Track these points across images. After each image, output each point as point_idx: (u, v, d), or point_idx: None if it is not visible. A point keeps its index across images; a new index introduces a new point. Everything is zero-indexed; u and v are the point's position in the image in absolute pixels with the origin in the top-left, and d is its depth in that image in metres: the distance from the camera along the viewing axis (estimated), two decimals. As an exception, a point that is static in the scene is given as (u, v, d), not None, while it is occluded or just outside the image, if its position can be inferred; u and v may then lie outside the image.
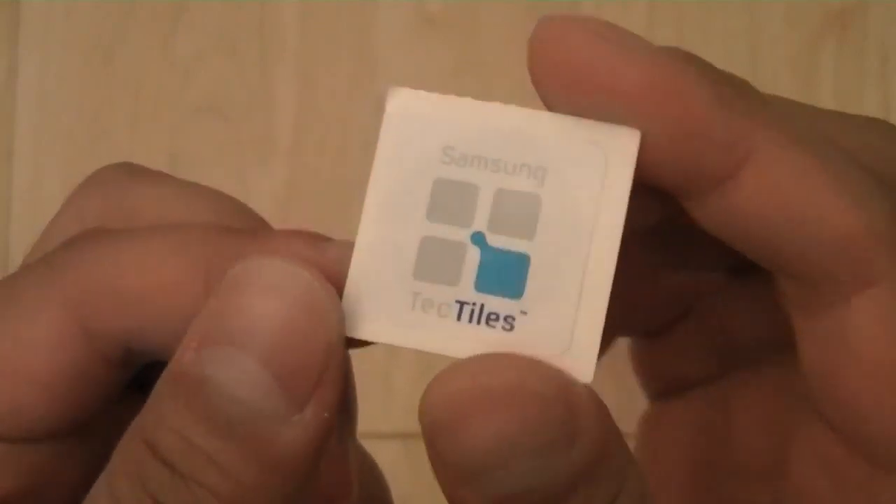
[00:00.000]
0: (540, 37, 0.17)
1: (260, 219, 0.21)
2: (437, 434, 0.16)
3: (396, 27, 0.52)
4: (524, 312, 0.16)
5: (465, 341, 0.16)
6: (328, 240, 0.18)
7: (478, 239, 0.16)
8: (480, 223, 0.16)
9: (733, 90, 0.16)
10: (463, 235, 0.16)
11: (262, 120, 0.51)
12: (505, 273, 0.16)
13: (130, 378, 0.19)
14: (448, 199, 0.16)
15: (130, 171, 0.21)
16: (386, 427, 0.47)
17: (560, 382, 0.15)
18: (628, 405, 0.50)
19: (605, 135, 0.16)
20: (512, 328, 0.16)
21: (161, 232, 0.18)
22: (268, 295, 0.15)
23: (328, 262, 0.18)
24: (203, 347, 0.15)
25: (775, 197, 0.16)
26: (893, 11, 0.53)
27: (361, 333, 0.16)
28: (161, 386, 0.16)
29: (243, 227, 0.19)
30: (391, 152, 0.17)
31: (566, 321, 0.16)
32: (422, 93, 0.16)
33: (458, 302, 0.16)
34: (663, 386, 0.23)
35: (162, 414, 0.15)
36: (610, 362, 0.48)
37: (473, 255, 0.16)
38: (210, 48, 0.52)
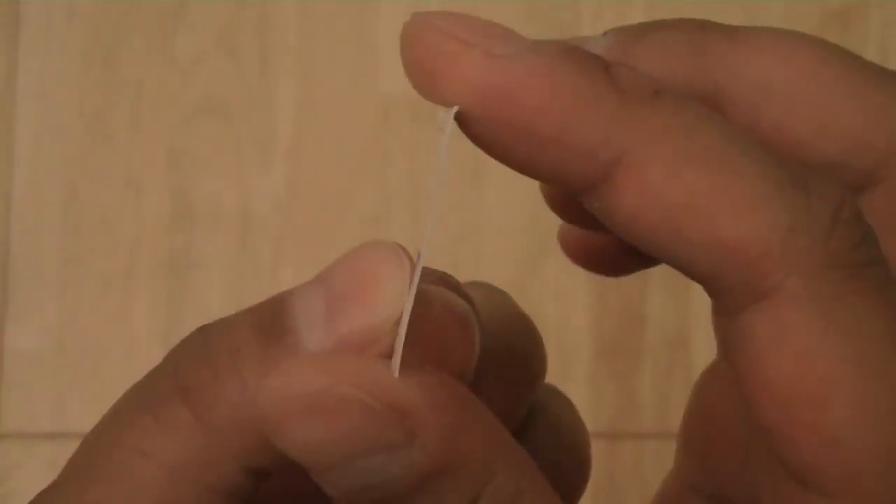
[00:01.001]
0: (405, 32, 0.17)
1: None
2: (275, 435, 0.15)
3: (396, 27, 0.52)
4: None
5: None
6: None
7: None
8: None
9: (606, 86, 0.15)
10: None
11: (262, 120, 0.51)
12: None
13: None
14: None
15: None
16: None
17: (383, 384, 0.15)
18: (628, 405, 0.50)
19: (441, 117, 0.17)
20: None
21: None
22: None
23: None
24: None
25: (650, 201, 0.15)
26: (893, 11, 0.53)
27: None
28: None
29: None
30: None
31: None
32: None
33: None
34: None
35: None
36: (609, 363, 0.48)
37: None
38: (210, 48, 0.52)
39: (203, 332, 0.17)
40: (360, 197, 0.50)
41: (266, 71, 0.51)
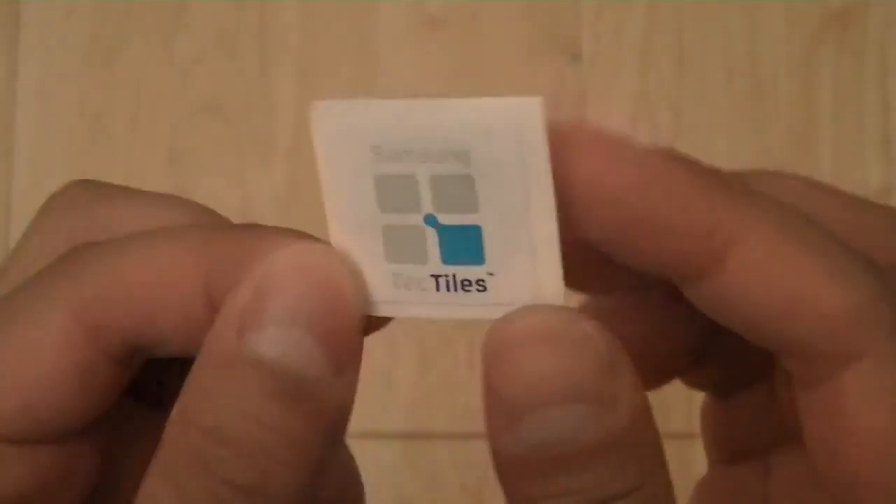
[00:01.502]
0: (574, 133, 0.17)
1: (229, 222, 0.21)
2: (491, 368, 0.16)
3: (396, 28, 0.52)
4: (491, 274, 0.17)
5: (449, 306, 0.18)
6: (310, 237, 0.19)
7: (430, 220, 0.17)
8: (428, 207, 0.17)
9: (714, 181, 0.17)
10: (416, 219, 0.17)
11: (262, 120, 0.51)
12: (463, 245, 0.17)
13: (132, 377, 0.20)
14: (392, 191, 0.17)
15: (94, 188, 0.22)
16: (386, 427, 0.47)
17: (611, 339, 0.16)
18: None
19: (510, 108, 0.17)
20: (485, 289, 0.17)
21: (161, 232, 0.19)
22: (303, 274, 0.17)
23: None
24: (246, 331, 0.17)
25: (759, 281, 0.17)
26: (893, 12, 0.53)
27: (364, 310, 0.18)
28: (206, 375, 0.17)
29: (235, 225, 0.20)
30: (328, 161, 0.18)
31: (528, 273, 0.17)
32: (339, 102, 0.17)
33: (432, 276, 0.18)
34: (724, 451, 0.23)
35: (219, 400, 0.17)
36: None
37: (432, 234, 0.17)
38: (210, 48, 0.52)
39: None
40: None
41: (266, 71, 0.51)
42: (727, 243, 0.17)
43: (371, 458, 0.48)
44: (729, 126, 0.52)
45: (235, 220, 0.21)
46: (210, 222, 0.21)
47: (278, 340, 0.16)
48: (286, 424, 0.16)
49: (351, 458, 0.22)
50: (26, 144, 0.51)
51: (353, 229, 0.18)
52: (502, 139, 0.16)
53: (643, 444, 0.17)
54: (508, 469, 0.17)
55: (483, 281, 0.17)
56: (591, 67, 0.52)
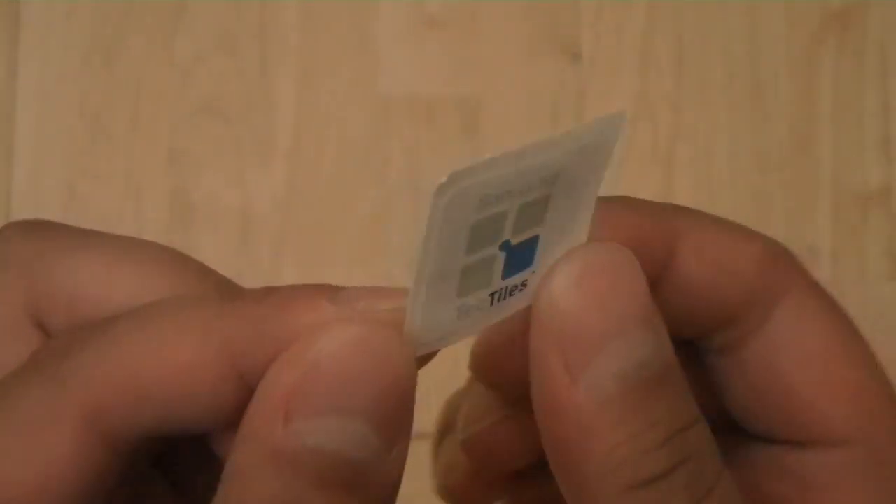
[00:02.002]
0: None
1: (206, 268, 0.20)
2: (565, 304, 0.17)
3: (396, 28, 0.52)
4: (534, 272, 0.18)
5: (497, 313, 0.18)
6: (339, 288, 0.18)
7: (505, 245, 0.17)
8: (508, 234, 0.17)
9: (645, 206, 0.20)
10: (494, 250, 0.17)
11: (262, 120, 0.51)
12: (523, 257, 0.18)
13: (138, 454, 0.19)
14: (481, 232, 0.17)
15: (44, 237, 0.20)
16: (386, 427, 0.47)
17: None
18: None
19: (601, 125, 0.17)
20: (526, 286, 0.18)
21: (165, 311, 0.18)
22: (356, 356, 0.16)
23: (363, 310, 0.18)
24: (295, 418, 0.16)
25: (702, 261, 0.19)
26: (893, 11, 0.53)
27: (426, 350, 0.18)
28: (256, 467, 0.16)
29: (241, 292, 0.19)
30: (439, 225, 0.17)
31: (560, 254, 0.18)
32: (463, 170, 0.16)
33: (490, 294, 0.18)
34: None
35: (269, 491, 0.16)
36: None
37: (500, 257, 0.17)
38: (210, 48, 0.52)
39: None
40: (360, 197, 0.50)
41: (266, 71, 0.51)
42: (673, 239, 0.19)
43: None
44: (729, 126, 0.52)
45: (235, 220, 0.20)
46: (194, 277, 0.20)
47: (330, 429, 0.16)
48: None
49: None
50: (26, 144, 0.51)
51: (436, 279, 0.17)
52: (595, 153, 0.17)
53: (684, 378, 0.17)
54: (584, 416, 0.17)
55: (527, 281, 0.18)
56: (591, 67, 0.52)
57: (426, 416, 0.48)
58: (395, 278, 0.50)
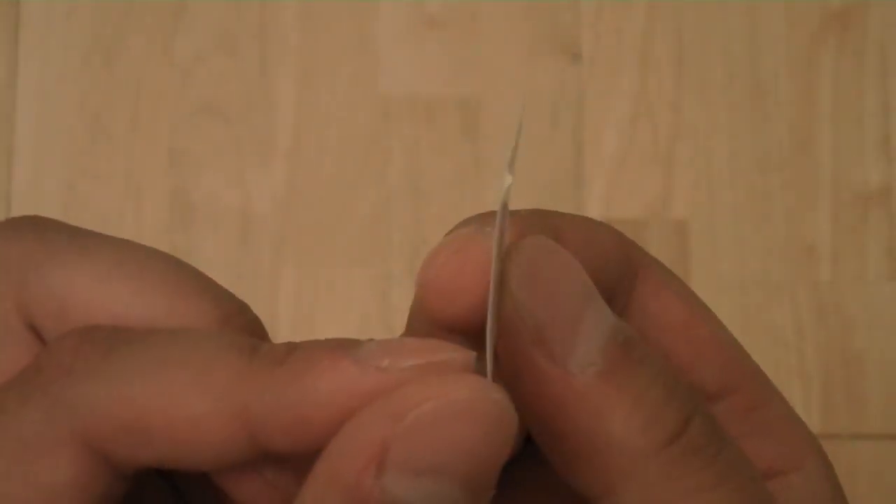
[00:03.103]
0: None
1: (203, 276, 0.20)
2: (524, 309, 0.17)
3: (396, 27, 0.52)
4: None
5: None
6: (358, 344, 0.17)
7: None
8: None
9: (531, 216, 0.19)
10: None
11: (262, 120, 0.51)
12: None
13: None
14: None
15: (38, 240, 0.19)
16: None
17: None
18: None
19: None
20: None
21: (181, 355, 0.17)
22: (465, 421, 0.16)
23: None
24: (388, 472, 0.16)
25: (577, 249, 0.19)
26: (893, 11, 0.53)
27: None
28: None
29: (267, 350, 0.18)
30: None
31: None
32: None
33: None
34: None
35: None
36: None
37: None
38: (210, 48, 0.52)
39: None
40: (360, 197, 0.50)
41: (266, 71, 0.51)
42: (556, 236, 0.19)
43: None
44: (729, 126, 0.52)
45: (235, 220, 0.20)
46: (190, 289, 0.19)
47: (424, 490, 0.16)
48: None
49: None
50: (26, 144, 0.51)
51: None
52: None
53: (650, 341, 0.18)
54: (589, 397, 0.17)
55: None
56: (591, 67, 0.52)
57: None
58: (394, 279, 0.50)
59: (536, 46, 0.52)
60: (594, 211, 0.50)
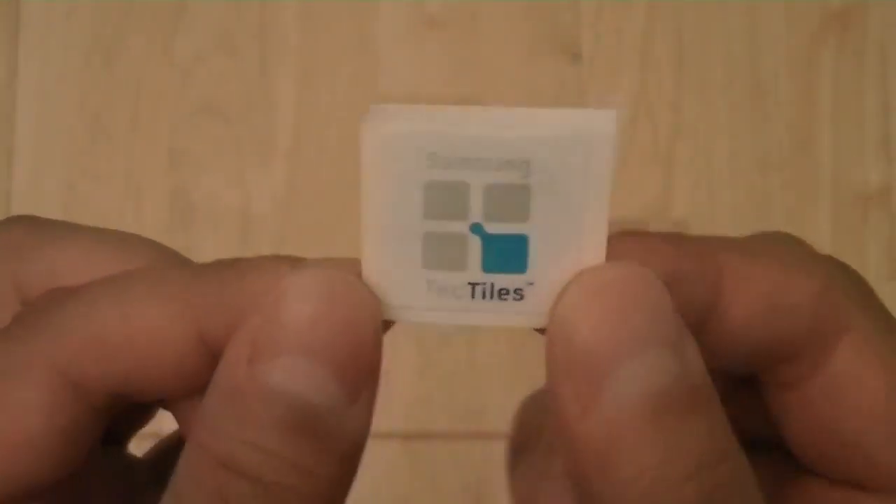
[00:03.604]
0: None
1: (181, 255, 0.21)
2: (575, 327, 0.16)
3: (396, 28, 0.52)
4: (531, 283, 0.17)
5: (482, 313, 0.18)
6: (300, 259, 0.18)
7: (477, 228, 0.17)
8: (476, 215, 0.17)
9: (686, 241, 0.19)
10: (462, 227, 0.17)
11: (262, 120, 0.51)
12: (507, 254, 0.17)
13: (109, 422, 0.20)
14: (441, 199, 0.17)
15: (36, 228, 0.21)
16: (386, 427, 0.47)
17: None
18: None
19: (582, 119, 0.17)
20: (522, 297, 0.17)
21: (136, 277, 0.18)
22: (318, 300, 0.16)
23: None
24: (257, 360, 0.16)
25: (752, 299, 0.18)
26: (893, 11, 0.53)
27: (390, 316, 0.18)
28: (217, 406, 0.16)
29: (214, 263, 0.19)
30: (377, 166, 0.17)
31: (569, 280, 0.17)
32: (398, 106, 0.17)
33: (469, 284, 0.17)
34: None
35: (229, 431, 0.16)
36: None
37: (475, 242, 0.17)
38: (210, 48, 0.52)
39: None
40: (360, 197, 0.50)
41: (266, 71, 0.51)
42: (716, 282, 0.18)
43: (371, 458, 0.48)
44: (729, 126, 0.52)
45: (235, 220, 0.21)
46: (167, 260, 0.20)
47: (288, 370, 0.16)
48: (297, 455, 0.16)
49: None
50: (26, 144, 0.51)
51: (391, 235, 0.17)
52: (573, 150, 0.16)
53: (719, 406, 0.16)
54: (598, 450, 0.16)
55: (521, 290, 0.17)
56: (591, 67, 0.52)
57: (428, 414, 0.48)
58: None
59: (536, 46, 0.52)
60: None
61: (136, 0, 0.52)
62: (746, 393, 0.20)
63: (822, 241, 0.51)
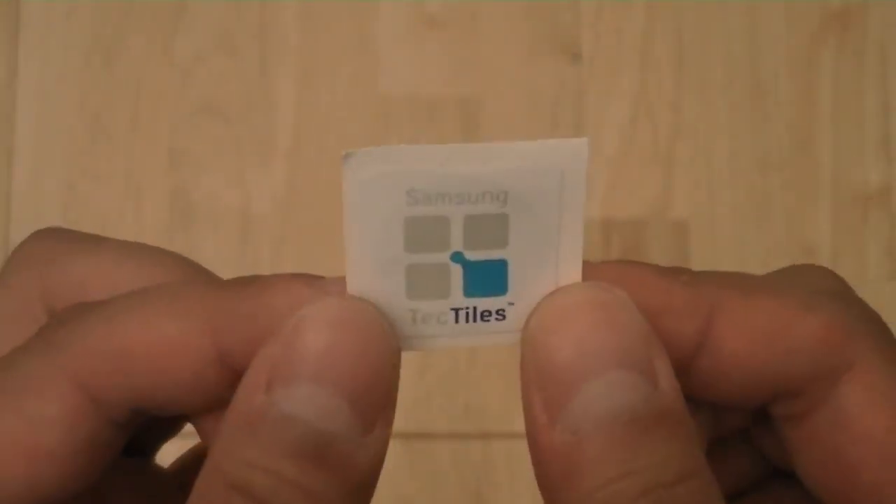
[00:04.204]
0: None
1: (205, 270, 0.22)
2: (542, 344, 0.17)
3: (396, 27, 0.52)
4: (511, 303, 0.18)
5: (466, 336, 0.18)
6: (318, 277, 0.19)
7: (457, 257, 0.18)
8: (457, 245, 0.17)
9: (682, 275, 0.19)
10: (443, 258, 0.18)
11: (262, 120, 0.51)
12: (488, 278, 0.18)
13: (130, 437, 0.20)
14: (422, 232, 0.17)
15: (64, 240, 0.21)
16: (386, 427, 0.47)
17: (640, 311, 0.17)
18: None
19: (555, 149, 0.17)
20: (504, 317, 0.18)
21: (156, 293, 0.19)
22: (336, 330, 0.17)
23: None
24: (275, 387, 0.16)
25: (747, 337, 0.18)
26: (893, 11, 0.53)
27: None
28: (235, 430, 0.17)
29: (233, 280, 0.20)
30: (357, 206, 0.18)
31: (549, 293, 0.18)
32: (376, 149, 0.18)
33: (452, 309, 0.18)
34: None
35: (243, 455, 0.16)
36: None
37: (456, 270, 0.18)
38: (210, 48, 0.52)
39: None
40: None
41: (266, 71, 0.51)
42: (709, 316, 0.18)
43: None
44: (729, 126, 0.52)
45: (235, 220, 0.21)
46: (192, 275, 0.21)
47: (304, 398, 0.16)
48: (309, 482, 0.16)
49: None
50: (26, 144, 0.51)
51: (374, 270, 0.18)
52: (548, 177, 0.17)
53: (689, 430, 0.17)
54: (562, 459, 0.16)
55: (503, 310, 0.18)
56: (591, 67, 0.52)
57: (428, 414, 0.48)
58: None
59: (536, 46, 0.52)
60: (594, 211, 0.50)
61: (136, 0, 0.52)
62: (772, 423, 0.20)
63: (822, 241, 0.51)
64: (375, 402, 0.17)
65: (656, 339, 0.17)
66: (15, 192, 0.50)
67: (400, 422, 0.51)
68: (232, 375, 0.18)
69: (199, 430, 0.20)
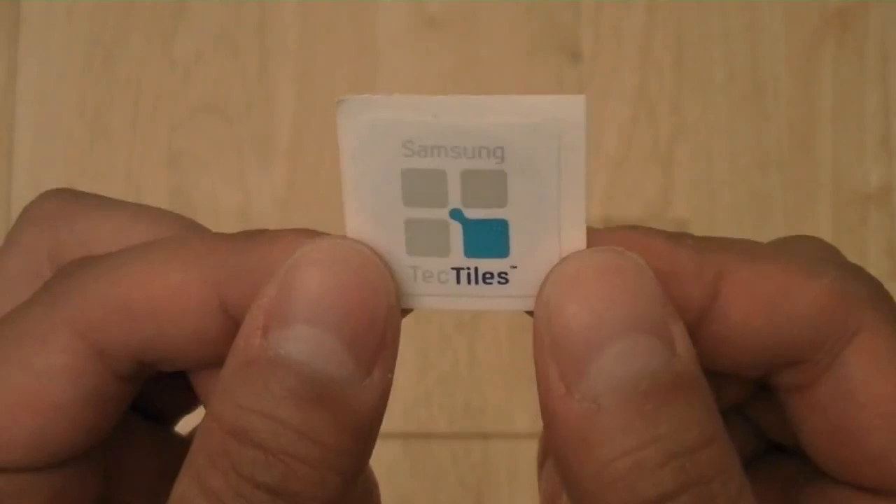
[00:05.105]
0: None
1: (213, 232, 0.21)
2: (558, 310, 0.16)
3: (396, 28, 0.52)
4: (514, 267, 0.18)
5: (469, 297, 0.18)
6: (323, 233, 0.19)
7: (457, 214, 0.17)
8: (455, 202, 0.17)
9: (688, 240, 0.18)
10: (442, 214, 0.17)
11: (262, 120, 0.51)
12: (488, 238, 0.17)
13: (137, 393, 0.20)
14: (419, 186, 0.17)
15: (72, 200, 0.21)
16: (386, 427, 0.47)
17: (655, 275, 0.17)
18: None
19: (551, 105, 0.17)
20: (507, 281, 0.18)
21: (160, 244, 0.18)
22: (330, 270, 0.17)
23: None
24: (271, 330, 0.16)
25: (754, 302, 0.18)
26: (893, 11, 0.53)
27: None
28: (231, 376, 0.16)
29: (238, 233, 0.20)
30: (354, 156, 0.18)
31: (552, 261, 0.17)
32: (372, 97, 0.17)
33: (453, 269, 0.18)
34: None
35: (241, 400, 0.16)
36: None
37: (456, 228, 0.18)
38: (210, 48, 0.52)
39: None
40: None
41: (266, 71, 0.51)
42: (716, 280, 0.18)
43: (371, 458, 0.48)
44: (729, 126, 0.52)
45: (235, 220, 0.21)
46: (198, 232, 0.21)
47: (301, 340, 0.16)
48: (308, 425, 0.16)
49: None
50: (26, 144, 0.51)
51: (372, 223, 0.18)
52: (544, 135, 0.17)
53: (706, 394, 0.16)
54: (580, 429, 0.16)
55: (505, 273, 0.18)
56: (591, 67, 0.52)
57: (428, 414, 0.48)
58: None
59: (536, 45, 0.52)
60: (594, 211, 0.50)
61: (136, 0, 0.52)
62: (769, 396, 0.20)
63: (822, 240, 0.51)
64: (372, 343, 0.16)
65: (671, 303, 0.16)
66: (15, 193, 0.50)
67: (400, 422, 0.51)
68: (235, 328, 0.17)
69: (199, 389, 0.20)
